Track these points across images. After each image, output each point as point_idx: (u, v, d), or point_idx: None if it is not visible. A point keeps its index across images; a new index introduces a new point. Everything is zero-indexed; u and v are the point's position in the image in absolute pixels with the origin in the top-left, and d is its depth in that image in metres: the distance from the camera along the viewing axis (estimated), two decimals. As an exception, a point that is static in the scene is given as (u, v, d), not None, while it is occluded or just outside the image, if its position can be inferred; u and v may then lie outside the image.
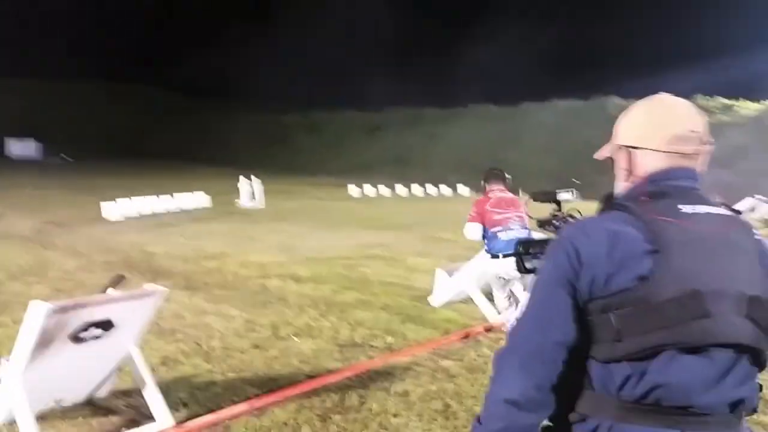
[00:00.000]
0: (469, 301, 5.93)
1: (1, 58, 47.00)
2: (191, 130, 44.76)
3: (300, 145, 35.06)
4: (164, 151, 42.60)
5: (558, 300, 1.16)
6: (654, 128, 1.27)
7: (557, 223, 2.43)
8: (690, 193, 1.23)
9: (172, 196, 13.03)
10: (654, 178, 1.25)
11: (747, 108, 25.59)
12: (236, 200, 15.79)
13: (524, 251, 2.07)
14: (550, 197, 2.66)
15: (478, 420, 1.21)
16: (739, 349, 1.12)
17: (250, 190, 15.96)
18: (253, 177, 16.38)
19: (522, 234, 4.98)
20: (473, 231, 5.25)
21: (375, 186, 19.12)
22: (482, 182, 5.49)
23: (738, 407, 1.16)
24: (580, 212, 2.35)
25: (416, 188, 20.28)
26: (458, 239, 10.99)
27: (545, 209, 2.45)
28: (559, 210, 2.57)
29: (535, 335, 1.17)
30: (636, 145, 1.29)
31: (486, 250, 5.16)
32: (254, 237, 10.41)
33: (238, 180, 16.18)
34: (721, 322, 1.10)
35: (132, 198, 12.19)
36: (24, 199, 14.72)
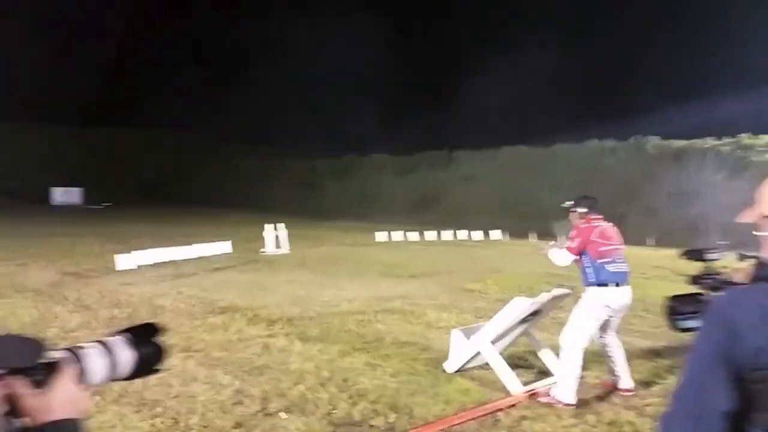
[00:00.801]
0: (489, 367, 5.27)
1: (34, 106, 48.64)
2: (223, 176, 45.26)
3: (330, 190, 34.95)
4: (195, 196, 43.07)
5: (714, 371, 1.21)
6: None
7: (711, 282, 2.68)
8: None
9: (190, 244, 12.69)
10: None
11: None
12: (261, 248, 15.45)
13: (676, 309, 2.21)
14: (700, 256, 2.93)
15: None
16: None
17: (274, 237, 15.62)
18: (278, 224, 16.05)
19: (625, 267, 4.83)
20: (565, 260, 4.99)
21: (403, 231, 18.51)
22: (575, 210, 5.07)
23: None
24: (730, 270, 2.66)
25: (446, 233, 19.59)
26: (488, 291, 10.34)
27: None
28: (709, 268, 2.81)
29: (697, 402, 1.23)
30: None
31: (589, 282, 4.82)
32: (270, 288, 9.93)
33: (271, 226, 15.85)
34: None
35: (149, 248, 11.84)
36: (49, 248, 14.64)
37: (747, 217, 1.44)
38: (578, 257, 4.93)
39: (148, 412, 4.36)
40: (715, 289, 2.71)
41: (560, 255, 5.06)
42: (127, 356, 1.10)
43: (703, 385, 1.26)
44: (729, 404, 1.21)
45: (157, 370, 1.17)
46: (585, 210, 5.02)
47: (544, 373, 5.47)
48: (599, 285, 4.79)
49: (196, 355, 5.81)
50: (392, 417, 4.33)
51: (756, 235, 1.42)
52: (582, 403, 4.75)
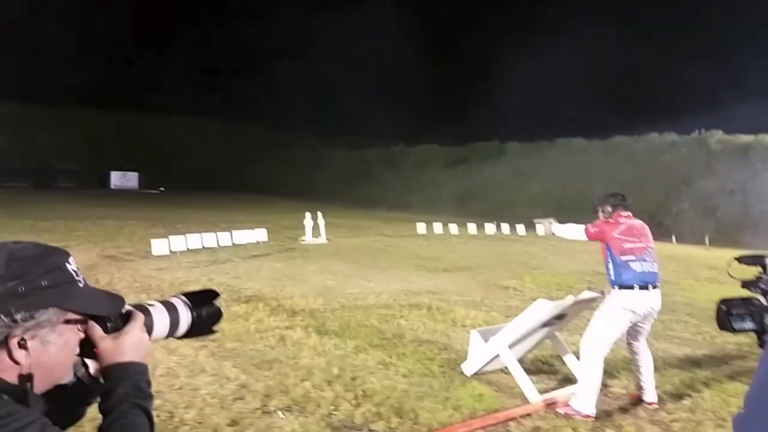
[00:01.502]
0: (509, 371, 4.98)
1: (98, 91, 50.29)
2: (274, 164, 45.70)
3: (378, 179, 34.78)
4: (247, 183, 43.69)
5: None
6: None
7: (765, 286, 2.55)
8: None
9: (228, 231, 12.74)
10: None
11: None
12: (302, 236, 15.44)
13: (729, 311, 2.24)
14: (759, 261, 2.75)
15: None
16: None
17: (313, 226, 15.56)
18: (319, 213, 15.99)
19: (654, 268, 4.46)
20: (577, 235, 4.82)
21: (445, 223, 18.16)
22: (599, 209, 4.75)
23: None
24: None
25: (489, 226, 19.12)
26: (524, 288, 9.95)
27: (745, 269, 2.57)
28: (765, 272, 2.65)
29: None
30: None
31: (612, 281, 4.48)
32: (299, 277, 9.83)
33: (313, 215, 15.80)
34: None
35: (187, 234, 11.94)
36: (96, 230, 15.01)
37: None
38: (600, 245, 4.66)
39: (148, 403, 4.27)
40: (766, 293, 2.57)
41: (575, 229, 4.86)
42: (186, 316, 1.21)
43: None
44: None
45: (213, 331, 1.27)
46: (610, 209, 4.65)
47: (569, 380, 5.14)
48: (621, 287, 4.43)
49: (210, 345, 5.72)
50: (394, 422, 4.11)
51: None
52: (603, 415, 4.41)
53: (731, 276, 2.89)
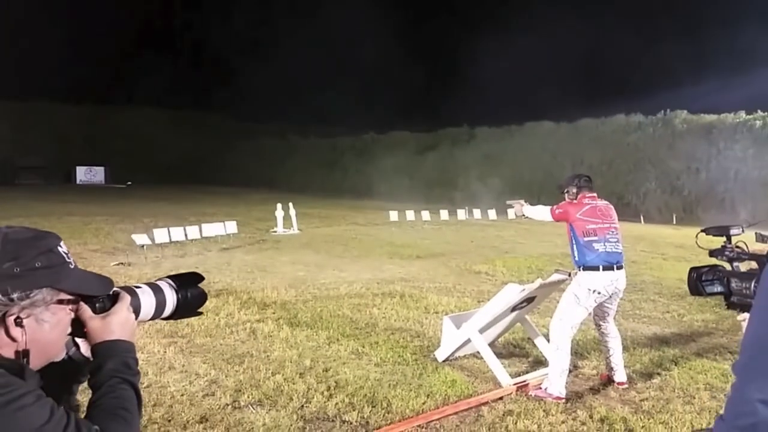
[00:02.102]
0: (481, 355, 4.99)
1: (61, 84, 48.92)
2: (244, 155, 45.15)
3: (350, 168, 34.62)
4: (216, 175, 43.10)
5: None
6: None
7: (730, 254, 2.96)
8: None
9: (198, 224, 12.55)
10: None
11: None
12: (273, 228, 15.30)
13: (700, 277, 2.58)
14: (724, 231, 3.19)
15: (721, 418, 1.43)
16: None
17: (285, 217, 15.43)
18: (290, 204, 15.85)
19: (619, 248, 4.46)
20: (543, 215, 4.82)
21: (417, 210, 18.17)
22: (565, 191, 4.75)
23: None
24: (746, 244, 2.88)
25: (460, 212, 19.19)
26: (495, 273, 9.99)
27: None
28: (729, 242, 3.07)
29: None
30: None
31: (576, 262, 4.51)
32: (271, 269, 9.74)
33: (284, 206, 15.64)
34: None
35: (160, 228, 11.75)
36: (61, 227, 14.65)
37: None
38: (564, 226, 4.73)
39: (115, 403, 4.18)
40: (732, 260, 2.99)
41: (540, 210, 4.88)
42: (171, 298, 1.26)
43: None
44: None
45: (199, 313, 1.33)
46: (575, 190, 4.67)
47: (540, 362, 5.19)
48: (586, 268, 4.45)
49: (179, 341, 5.64)
50: (367, 411, 4.09)
51: None
52: (575, 397, 4.46)
53: (699, 246, 3.19)
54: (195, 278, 1.33)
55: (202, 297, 1.32)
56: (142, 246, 10.80)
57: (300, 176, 39.18)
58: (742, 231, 3.28)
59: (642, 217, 22.43)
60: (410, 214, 17.81)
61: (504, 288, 4.87)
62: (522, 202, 5.22)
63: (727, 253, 3.04)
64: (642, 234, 16.47)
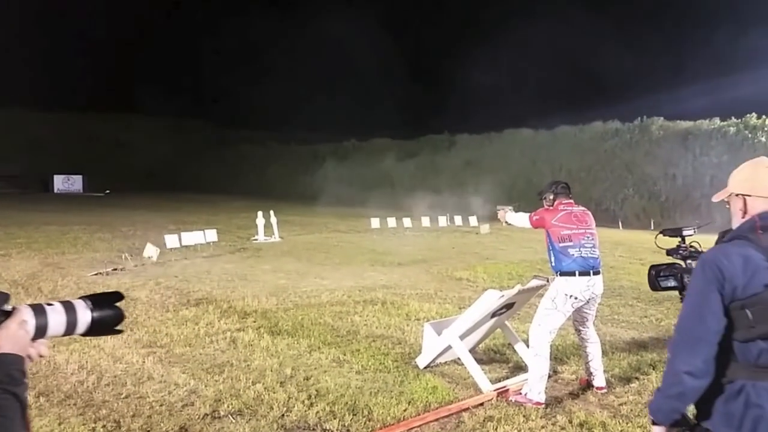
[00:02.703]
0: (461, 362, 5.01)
1: (37, 91, 48.23)
2: (224, 162, 44.93)
3: (331, 175, 34.54)
4: (197, 183, 42.78)
5: (710, 302, 1.75)
6: (762, 182, 1.86)
7: (683, 252, 3.34)
8: None
9: (178, 233, 12.44)
10: (764, 217, 1.81)
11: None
12: (254, 236, 15.21)
13: (657, 273, 2.94)
14: (678, 232, 3.57)
15: (658, 389, 1.83)
16: None
17: (266, 224, 15.35)
18: (271, 211, 15.78)
19: (595, 254, 4.49)
20: (522, 222, 4.88)
21: (399, 217, 18.20)
22: (543, 198, 4.82)
23: None
24: (699, 243, 3.16)
25: (442, 218, 19.26)
26: (476, 279, 10.04)
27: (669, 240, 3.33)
28: (684, 241, 3.43)
29: (699, 326, 1.76)
30: (749, 194, 1.87)
31: (553, 268, 4.54)
32: (252, 277, 9.68)
33: (265, 213, 15.55)
34: None
35: (140, 236, 11.60)
36: (38, 237, 14.44)
37: (720, 196, 1.99)
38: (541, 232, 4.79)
39: (93, 415, 4.13)
40: (686, 258, 3.37)
41: (520, 217, 4.95)
42: (85, 317, 1.30)
43: (701, 313, 1.78)
44: (720, 325, 1.75)
45: (116, 332, 1.37)
46: (552, 197, 4.73)
47: (520, 368, 5.22)
48: (562, 273, 4.49)
49: (158, 351, 5.59)
50: (348, 419, 4.08)
51: (728, 209, 1.97)
52: (554, 402, 4.49)
53: (658, 246, 3.50)
54: (113, 297, 1.38)
55: (118, 317, 1.36)
56: (124, 256, 10.69)
57: (281, 183, 39.07)
58: (695, 232, 3.63)
59: (620, 223, 22.70)
60: (392, 221, 17.84)
61: (484, 294, 4.90)
62: (509, 208, 5.26)
63: (681, 251, 3.42)
64: (620, 239, 16.66)
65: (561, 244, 4.51)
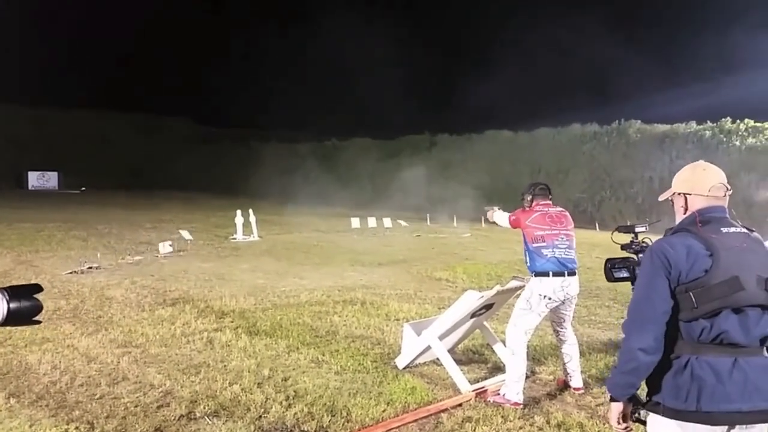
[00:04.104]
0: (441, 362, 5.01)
1: (11, 85, 47.28)
2: (203, 160, 44.50)
3: (311, 174, 34.37)
4: (175, 181, 42.30)
5: (659, 286, 2.00)
6: (700, 182, 2.16)
7: (636, 247, 3.66)
8: (724, 220, 2.11)
9: (155, 231, 12.28)
10: (702, 213, 2.11)
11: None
12: (232, 235, 15.08)
13: (612, 265, 3.35)
14: (630, 229, 3.85)
15: (614, 366, 2.09)
16: (762, 308, 1.96)
17: (245, 223, 15.23)
18: (249, 210, 15.66)
19: (570, 255, 4.49)
20: (502, 221, 4.98)
21: (379, 217, 18.17)
22: (523, 199, 4.83)
23: (764, 342, 1.99)
24: (650, 239, 3.16)
25: (422, 218, 19.29)
26: (456, 280, 10.06)
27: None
28: (636, 237, 3.75)
29: (649, 308, 2.01)
30: (689, 193, 2.17)
31: (529, 268, 4.57)
32: (230, 277, 9.60)
33: (244, 212, 15.42)
34: (751, 293, 1.94)
35: (115, 234, 11.44)
36: (11, 234, 14.16)
37: (666, 195, 2.31)
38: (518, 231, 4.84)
39: (65, 416, 4.05)
40: (637, 253, 3.65)
41: (501, 216, 5.04)
42: (1, 307, 1.35)
43: (650, 296, 2.02)
44: (667, 306, 1.99)
45: (35, 322, 1.41)
46: (530, 197, 4.75)
47: (499, 368, 5.23)
48: (537, 274, 4.51)
49: (133, 351, 5.50)
50: (327, 420, 4.05)
51: (672, 206, 2.27)
52: (532, 402, 4.51)
53: (614, 242, 3.78)
54: (32, 289, 1.41)
55: (36, 308, 1.40)
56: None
57: (261, 182, 38.79)
58: (647, 228, 3.92)
59: (597, 225, 22.92)
60: (372, 221, 17.81)
61: (463, 295, 4.91)
62: (496, 208, 5.28)
63: (633, 246, 3.70)
64: (597, 241, 16.81)
65: (534, 245, 4.53)
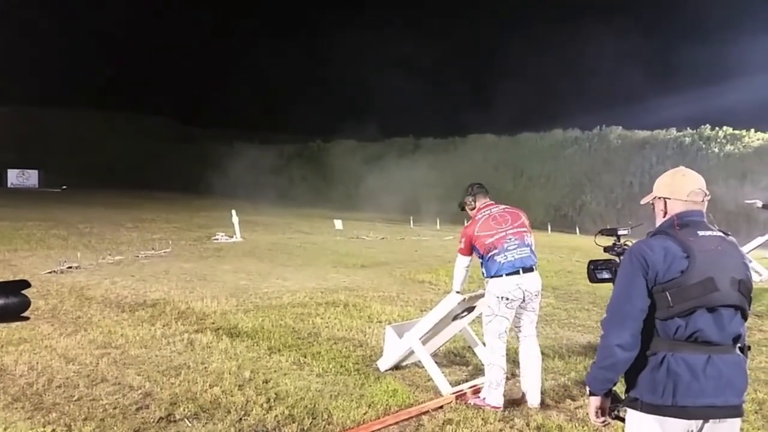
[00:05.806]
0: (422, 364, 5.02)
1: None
2: (187, 160, 44.20)
3: (295, 176, 34.36)
4: (158, 180, 41.98)
5: (637, 285, 2.08)
6: (679, 187, 2.26)
7: (618, 249, 3.77)
8: (701, 223, 2.19)
9: (137, 231, 12.18)
10: (680, 216, 2.20)
11: (756, 138, 24.43)
12: (215, 236, 14.99)
13: (595, 267, 3.54)
14: (613, 232, 3.97)
15: (594, 362, 2.16)
16: (734, 308, 2.07)
17: (227, 224, 15.16)
18: (232, 211, 15.59)
19: (524, 253, 4.33)
20: (461, 264, 4.68)
21: (359, 219, 18.18)
22: (466, 206, 4.73)
23: (737, 341, 2.10)
24: (632, 242, 3.11)
25: (406, 221, 19.34)
26: (438, 282, 10.09)
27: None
28: (618, 240, 3.87)
29: (627, 305, 2.09)
30: (669, 197, 2.27)
31: (485, 276, 4.45)
32: (212, 278, 9.54)
33: (229, 212, 15.33)
34: (725, 294, 2.04)
35: (95, 234, 11.31)
36: (-12, 233, 13.95)
37: (647, 199, 2.39)
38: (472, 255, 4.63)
39: (42, 418, 3.99)
40: (619, 255, 3.74)
41: (457, 266, 4.73)
42: None
43: (629, 294, 2.10)
44: (645, 304, 2.07)
45: (22, 318, 1.43)
46: (472, 199, 4.66)
47: (480, 370, 5.25)
48: (493, 277, 4.40)
49: (113, 353, 5.44)
50: (308, 423, 4.04)
51: (652, 210, 2.37)
52: (512, 405, 4.53)
53: (597, 244, 3.89)
54: (18, 285, 1.40)
55: (23, 304, 1.39)
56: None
57: (244, 183, 38.59)
58: (629, 231, 4.00)
59: (577, 229, 23.13)
60: (355, 223, 17.80)
61: (445, 297, 4.93)
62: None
63: (616, 248, 3.80)
64: (577, 245, 16.97)
65: (488, 255, 4.41)
